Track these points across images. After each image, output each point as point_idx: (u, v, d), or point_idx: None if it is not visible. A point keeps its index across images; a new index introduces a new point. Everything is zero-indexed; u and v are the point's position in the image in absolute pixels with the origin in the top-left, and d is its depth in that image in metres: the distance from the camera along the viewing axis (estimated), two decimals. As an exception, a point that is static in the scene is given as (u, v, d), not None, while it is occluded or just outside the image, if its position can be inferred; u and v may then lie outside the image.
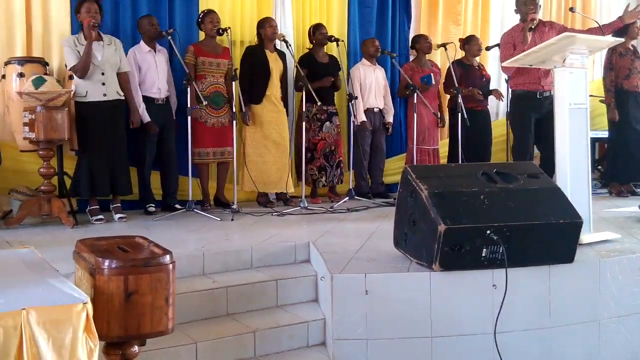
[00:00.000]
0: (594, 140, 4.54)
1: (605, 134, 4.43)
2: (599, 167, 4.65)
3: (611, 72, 4.07)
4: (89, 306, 1.00)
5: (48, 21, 3.31)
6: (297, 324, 2.00)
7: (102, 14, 3.08)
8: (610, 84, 4.07)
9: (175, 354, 1.75)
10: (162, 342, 1.65)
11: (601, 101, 4.27)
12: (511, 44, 3.47)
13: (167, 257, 1.23)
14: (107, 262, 1.14)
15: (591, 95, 4.07)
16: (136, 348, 1.23)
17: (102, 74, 3.05)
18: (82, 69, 2.96)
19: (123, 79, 3.18)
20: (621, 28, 3.65)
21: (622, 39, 3.07)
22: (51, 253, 1.90)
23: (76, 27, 3.22)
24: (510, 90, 3.86)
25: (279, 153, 3.70)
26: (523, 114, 3.61)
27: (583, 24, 4.91)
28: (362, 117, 3.98)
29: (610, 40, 2.52)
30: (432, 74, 4.08)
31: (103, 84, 3.05)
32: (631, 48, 4.13)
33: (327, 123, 3.95)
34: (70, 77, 3.10)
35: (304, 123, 3.69)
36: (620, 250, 2.26)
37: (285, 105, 3.82)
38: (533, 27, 3.41)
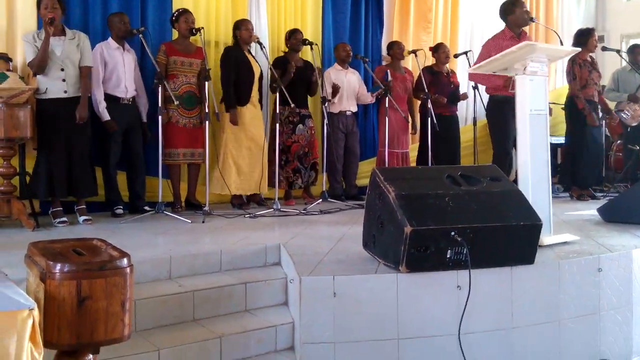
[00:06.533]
0: (555, 146, 4.70)
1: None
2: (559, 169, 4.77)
3: (575, 81, 4.18)
4: (36, 313, 0.95)
5: (13, 16, 3.20)
6: (265, 328, 1.98)
7: (64, 9, 2.99)
8: (578, 91, 4.17)
9: (136, 361, 1.70)
10: (122, 350, 1.60)
11: (562, 109, 4.41)
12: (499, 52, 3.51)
13: (125, 261, 1.20)
14: (58, 267, 1.10)
15: (553, 103, 4.23)
16: (90, 356, 1.19)
17: (62, 70, 2.96)
18: (37, 64, 2.87)
19: (82, 72, 3.06)
20: (581, 41, 3.80)
21: (579, 49, 3.18)
22: (5, 257, 1.82)
23: (41, 23, 3.12)
24: (488, 96, 3.91)
25: (257, 154, 3.69)
26: (505, 121, 3.58)
27: (546, 33, 5.11)
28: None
29: (568, 50, 2.62)
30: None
31: (63, 80, 2.96)
32: (589, 60, 4.25)
33: (300, 125, 3.96)
34: (35, 74, 3.00)
35: (277, 125, 3.69)
36: (578, 251, 2.32)
37: (261, 108, 3.82)
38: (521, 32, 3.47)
